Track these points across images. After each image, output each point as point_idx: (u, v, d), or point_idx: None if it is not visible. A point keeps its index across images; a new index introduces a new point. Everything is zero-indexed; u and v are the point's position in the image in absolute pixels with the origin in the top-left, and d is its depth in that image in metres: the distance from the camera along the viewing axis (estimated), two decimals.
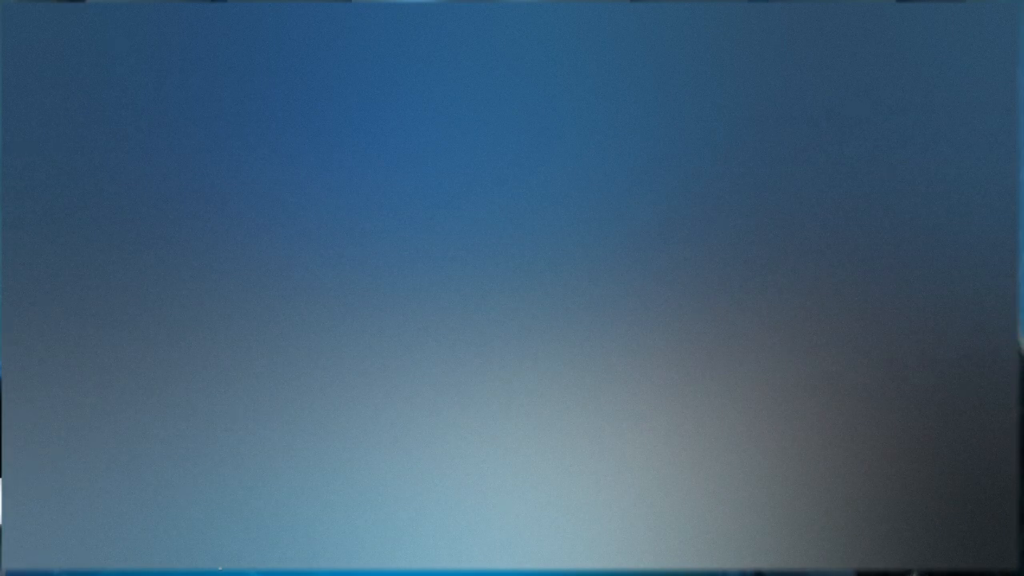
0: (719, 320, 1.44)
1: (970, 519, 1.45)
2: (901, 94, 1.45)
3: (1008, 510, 1.45)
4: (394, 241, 1.43)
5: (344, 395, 1.43)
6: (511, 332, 1.44)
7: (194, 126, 1.43)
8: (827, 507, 1.45)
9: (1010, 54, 1.46)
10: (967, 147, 1.45)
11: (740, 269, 1.44)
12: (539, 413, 1.44)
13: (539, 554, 1.44)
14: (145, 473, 1.43)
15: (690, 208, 1.44)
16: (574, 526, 1.44)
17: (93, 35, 1.44)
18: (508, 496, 1.44)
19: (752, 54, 1.45)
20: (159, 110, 1.43)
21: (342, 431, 1.43)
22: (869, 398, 1.45)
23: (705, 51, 1.45)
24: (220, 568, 1.44)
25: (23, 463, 1.43)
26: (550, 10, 1.45)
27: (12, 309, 1.43)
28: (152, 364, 1.43)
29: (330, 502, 1.43)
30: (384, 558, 1.44)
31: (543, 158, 1.44)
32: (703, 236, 1.44)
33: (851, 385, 1.45)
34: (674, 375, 1.44)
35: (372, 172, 1.43)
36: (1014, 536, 1.46)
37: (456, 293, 1.43)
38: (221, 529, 1.43)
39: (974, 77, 1.46)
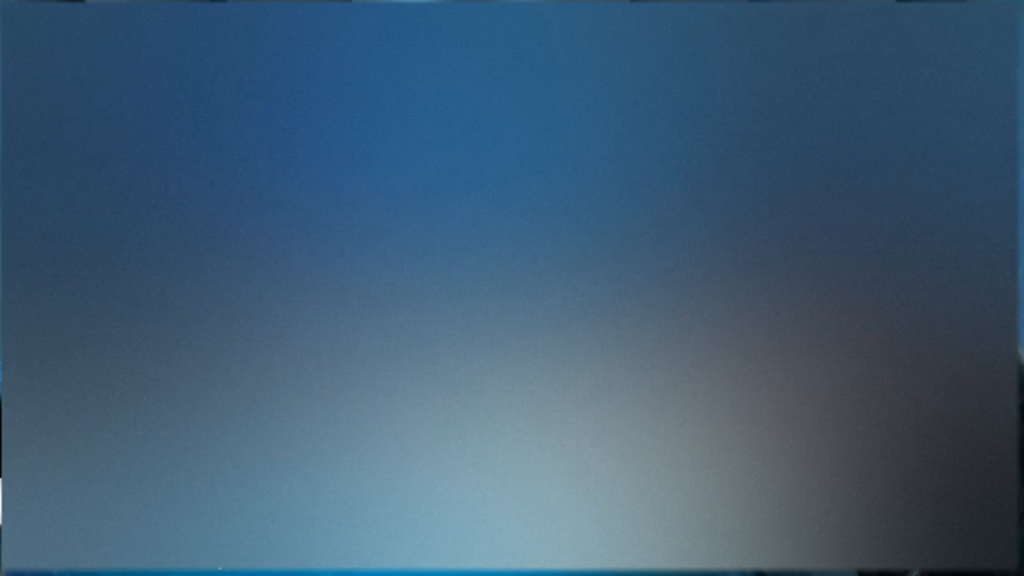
0: (719, 320, 1.44)
1: (970, 519, 1.45)
2: (901, 94, 1.45)
3: (1008, 510, 1.45)
4: (394, 241, 1.43)
5: (344, 395, 1.43)
6: (511, 332, 1.44)
7: (194, 126, 1.43)
8: (827, 507, 1.45)
9: (1010, 54, 1.46)
10: (967, 147, 1.45)
11: (740, 269, 1.44)
12: (539, 413, 1.44)
13: (539, 554, 1.44)
14: (145, 473, 1.43)
15: (690, 208, 1.44)
16: (574, 526, 1.44)
17: (93, 35, 1.44)
18: (508, 496, 1.44)
19: (752, 54, 1.45)
20: (159, 110, 1.43)
21: (342, 431, 1.43)
22: (869, 398, 1.45)
23: (705, 51, 1.45)
24: (220, 568, 1.44)
25: (23, 463, 1.43)
26: (550, 10, 1.45)
27: (12, 309, 1.43)
28: (152, 364, 1.43)
29: (330, 502, 1.43)
30: (384, 558, 1.44)
31: (543, 158, 1.44)
32: (703, 235, 1.44)
33: (851, 385, 1.45)
34: (674, 375, 1.44)
35: (372, 172, 1.44)
36: (1014, 536, 1.46)
37: (456, 293, 1.43)
38: (221, 529, 1.43)
39: (974, 77, 1.46)
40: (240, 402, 1.43)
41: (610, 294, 1.44)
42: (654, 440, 1.44)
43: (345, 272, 1.43)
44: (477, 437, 1.44)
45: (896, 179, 1.45)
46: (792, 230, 1.44)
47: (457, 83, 1.44)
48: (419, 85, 1.44)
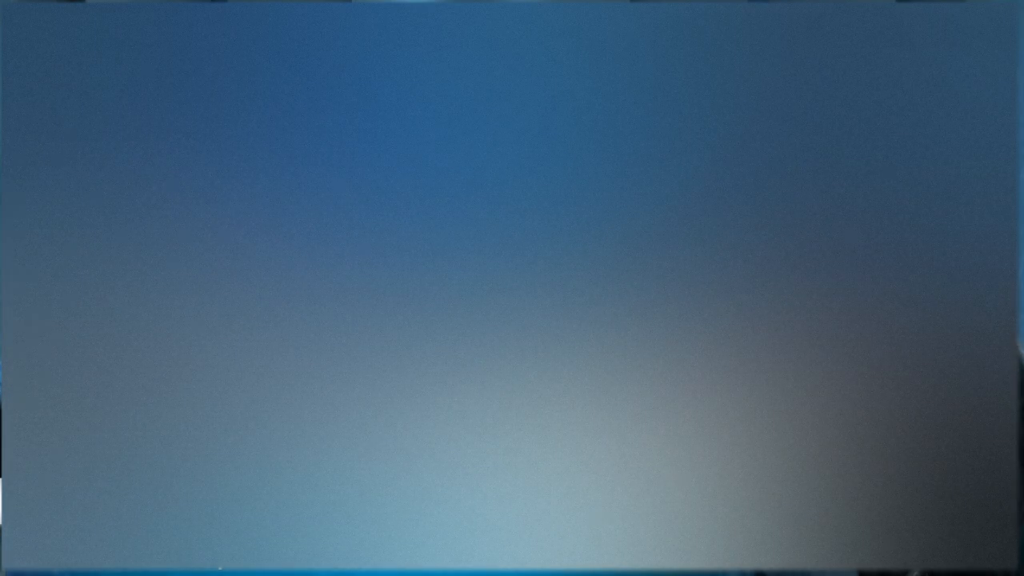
0: (720, 320, 1.44)
1: (970, 519, 1.45)
2: (901, 94, 1.45)
3: (1008, 510, 1.45)
4: (394, 241, 1.43)
5: (344, 395, 1.43)
6: (512, 332, 1.44)
7: (194, 126, 1.43)
8: (828, 507, 1.45)
9: (1010, 54, 1.46)
10: (967, 147, 1.45)
11: (740, 270, 1.44)
12: (539, 413, 1.44)
13: (539, 554, 1.44)
14: (145, 473, 1.43)
15: (689, 208, 1.44)
16: (575, 526, 1.44)
17: (93, 35, 1.44)
18: (508, 496, 1.44)
19: (752, 54, 1.45)
20: (159, 110, 1.43)
21: (342, 431, 1.43)
22: (870, 398, 1.45)
23: (705, 51, 1.45)
24: (220, 568, 1.44)
25: (23, 463, 1.43)
26: (550, 10, 1.45)
27: (12, 309, 1.43)
28: (152, 364, 1.43)
29: (330, 502, 1.43)
30: (384, 558, 1.44)
31: (543, 158, 1.44)
32: (703, 236, 1.44)
33: (852, 385, 1.45)
34: (675, 375, 1.44)
35: (372, 172, 1.44)
36: (1014, 536, 1.46)
37: (456, 293, 1.43)
38: (221, 529, 1.43)
39: (974, 77, 1.46)
40: (240, 402, 1.43)
41: (610, 294, 1.44)
42: (654, 440, 1.44)
43: (345, 272, 1.43)
44: (477, 437, 1.44)
45: (896, 179, 1.45)
46: (792, 230, 1.44)
47: (457, 83, 1.44)
48: (419, 85, 1.44)
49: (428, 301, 1.43)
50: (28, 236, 1.43)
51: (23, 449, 1.43)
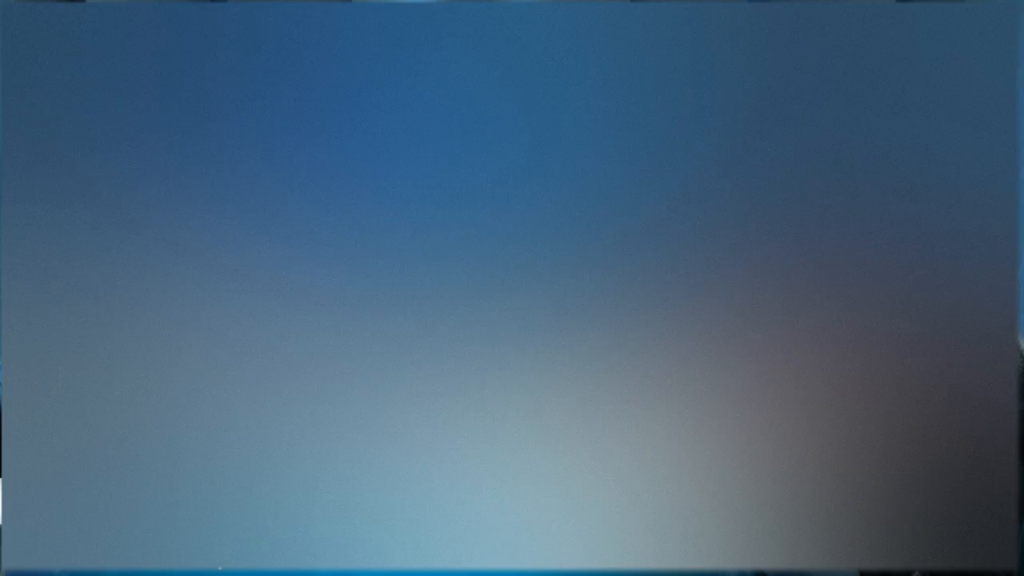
0: (719, 320, 1.44)
1: (970, 519, 1.45)
2: (901, 94, 1.45)
3: (1008, 510, 1.45)
4: (394, 241, 1.43)
5: (344, 395, 1.43)
6: (511, 332, 1.44)
7: (194, 126, 1.43)
8: (828, 507, 1.45)
9: (1010, 54, 1.46)
10: (967, 147, 1.45)
11: (740, 269, 1.44)
12: (539, 413, 1.44)
13: (539, 554, 1.44)
14: (145, 473, 1.43)
15: (690, 208, 1.44)
16: (574, 526, 1.44)
17: (93, 35, 1.44)
18: (508, 496, 1.44)
19: (752, 54, 1.45)
20: (159, 110, 1.43)
21: (342, 431, 1.43)
22: (870, 398, 1.45)
23: (705, 51, 1.45)
24: (220, 568, 1.44)
25: (23, 463, 1.43)
26: (550, 10, 1.45)
27: (12, 309, 1.43)
28: (152, 364, 1.43)
29: (330, 502, 1.43)
30: (384, 558, 1.44)
31: (543, 158, 1.44)
32: (703, 235, 1.44)
33: (852, 384, 1.45)
34: (674, 374, 1.44)
35: (372, 172, 1.44)
36: (1014, 536, 1.46)
37: (456, 293, 1.43)
38: (221, 529, 1.43)
39: (974, 77, 1.46)
40: (240, 402, 1.43)
41: (612, 294, 1.44)
42: (654, 440, 1.44)
43: (345, 272, 1.43)
44: (477, 437, 1.44)
45: (897, 179, 1.45)
46: (792, 230, 1.44)
47: (457, 83, 1.44)
48: (419, 85, 1.44)
49: (428, 301, 1.43)
50: (28, 236, 1.43)
51: (23, 449, 1.43)
